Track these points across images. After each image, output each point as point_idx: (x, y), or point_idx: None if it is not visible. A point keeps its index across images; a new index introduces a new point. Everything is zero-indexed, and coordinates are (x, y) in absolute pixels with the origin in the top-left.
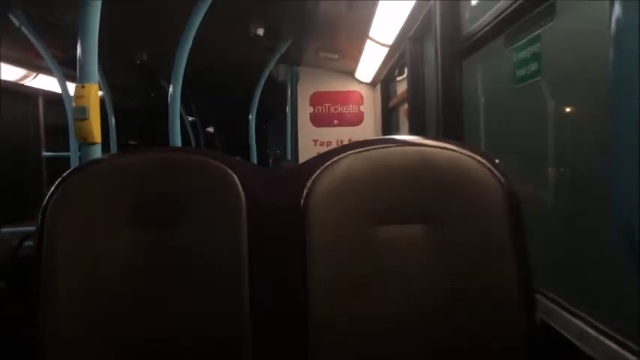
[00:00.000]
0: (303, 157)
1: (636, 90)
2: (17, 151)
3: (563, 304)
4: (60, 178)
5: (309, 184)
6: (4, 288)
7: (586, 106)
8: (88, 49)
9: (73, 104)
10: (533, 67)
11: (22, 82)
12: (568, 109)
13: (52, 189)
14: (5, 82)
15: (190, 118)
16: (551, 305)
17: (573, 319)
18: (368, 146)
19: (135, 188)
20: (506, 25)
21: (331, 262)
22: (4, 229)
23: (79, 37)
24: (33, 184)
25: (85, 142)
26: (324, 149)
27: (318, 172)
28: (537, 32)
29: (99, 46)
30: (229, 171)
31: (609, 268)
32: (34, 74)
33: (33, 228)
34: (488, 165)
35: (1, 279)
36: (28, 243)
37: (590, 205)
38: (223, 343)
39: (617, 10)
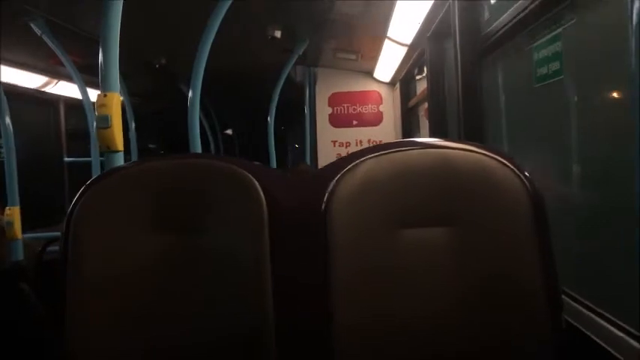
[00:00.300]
0: (322, 158)
1: None
2: (39, 156)
3: (590, 305)
4: (84, 186)
5: (330, 188)
6: (27, 290)
7: (610, 105)
8: (110, 58)
9: (96, 113)
10: (554, 65)
11: (43, 89)
12: (591, 108)
13: (77, 196)
14: (27, 89)
15: (209, 121)
16: (578, 307)
17: (600, 321)
18: (389, 149)
19: (158, 194)
20: (526, 24)
21: (353, 265)
22: (28, 235)
23: (100, 47)
24: (55, 189)
25: (109, 150)
26: (343, 150)
27: (339, 175)
28: (558, 31)
29: (119, 52)
30: (250, 176)
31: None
32: (55, 81)
33: (56, 233)
34: (512, 166)
35: (25, 282)
36: (52, 248)
37: (617, 204)
38: (247, 347)
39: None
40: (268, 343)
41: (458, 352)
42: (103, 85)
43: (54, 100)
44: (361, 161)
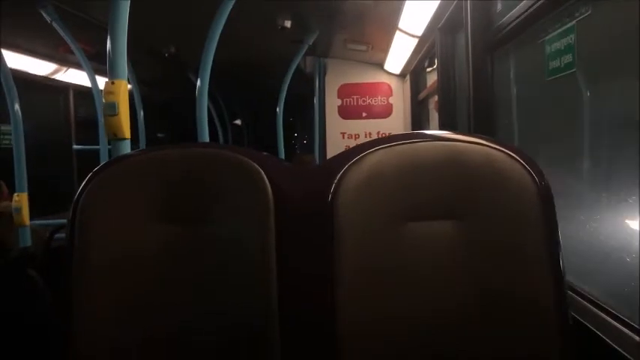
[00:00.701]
0: (330, 150)
1: None
2: (48, 143)
3: (598, 302)
4: (91, 173)
5: (337, 180)
6: (36, 277)
7: (623, 99)
8: (118, 46)
9: (103, 100)
10: (567, 58)
11: (53, 77)
12: (604, 102)
13: (84, 183)
14: (37, 76)
15: (218, 111)
16: (586, 304)
17: (608, 318)
18: (397, 141)
19: (164, 183)
20: (539, 16)
21: (359, 257)
22: (36, 221)
23: (108, 34)
24: (63, 176)
25: (115, 138)
26: (352, 142)
27: (346, 167)
28: (572, 23)
29: (127, 40)
30: (257, 166)
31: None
32: (65, 68)
33: (64, 220)
34: (522, 161)
35: (33, 268)
36: (59, 235)
37: (629, 201)
38: (251, 337)
39: None
40: (272, 334)
41: (462, 346)
42: (110, 73)
43: (63, 88)
44: (369, 153)
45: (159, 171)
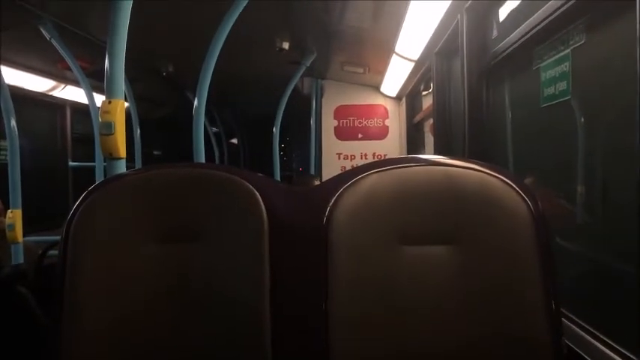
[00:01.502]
0: (326, 171)
1: None
2: (44, 160)
3: (591, 330)
4: (85, 192)
5: (331, 203)
6: (26, 294)
7: (618, 127)
8: (116, 65)
9: (100, 119)
10: (561, 86)
11: (50, 93)
12: (598, 130)
13: (78, 202)
14: (35, 92)
15: (214, 130)
16: (579, 331)
17: (600, 346)
18: (392, 165)
19: (158, 203)
20: (534, 43)
21: (353, 280)
22: (30, 238)
23: (107, 53)
24: (59, 193)
25: (111, 157)
26: (348, 163)
27: (341, 190)
28: (567, 51)
29: (125, 58)
30: (252, 188)
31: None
32: (63, 85)
33: (57, 237)
34: (516, 187)
35: (24, 285)
36: (53, 252)
37: (623, 227)
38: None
39: None
40: (265, 356)
41: None
42: (107, 92)
43: (61, 104)
44: (364, 176)
45: (153, 191)
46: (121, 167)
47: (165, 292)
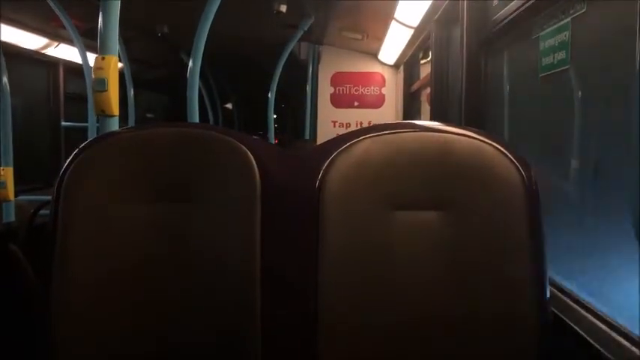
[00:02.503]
0: (321, 138)
1: None
2: (36, 119)
3: (578, 298)
4: (76, 150)
5: (325, 166)
6: (17, 252)
7: (615, 99)
8: (110, 22)
9: (93, 76)
10: (560, 55)
11: (43, 51)
12: (595, 100)
13: (69, 160)
14: (28, 50)
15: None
16: (566, 299)
17: (587, 315)
18: (386, 130)
19: (151, 162)
20: (534, 12)
21: (344, 244)
22: (21, 197)
23: (100, 9)
24: (51, 152)
25: (103, 114)
26: (343, 131)
27: (335, 154)
28: (566, 20)
29: (120, 18)
30: (245, 149)
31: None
32: (56, 43)
33: (49, 197)
34: (510, 156)
35: (15, 244)
36: (44, 211)
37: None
38: (232, 321)
39: None
40: (254, 316)
41: (444, 335)
42: (101, 48)
43: (54, 63)
44: (358, 141)
45: (146, 149)
46: (114, 125)
47: (155, 251)
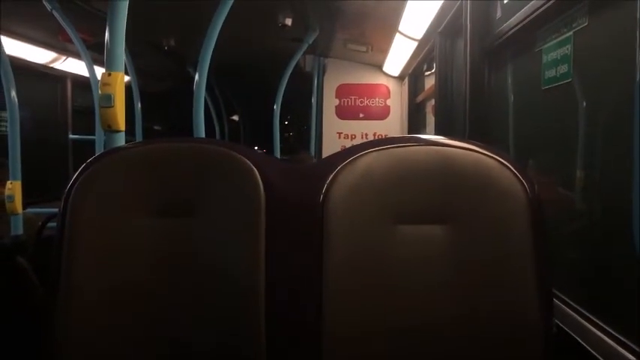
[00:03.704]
0: (326, 149)
1: None
2: (44, 132)
3: (581, 310)
4: (83, 165)
5: (328, 181)
6: (25, 265)
7: (618, 111)
8: (116, 37)
9: (99, 91)
10: (563, 68)
11: (51, 65)
12: (598, 113)
13: (76, 174)
14: (35, 64)
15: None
16: (569, 311)
17: (590, 327)
18: (390, 144)
19: (156, 177)
20: (537, 25)
21: (348, 259)
22: (30, 210)
23: (107, 25)
24: (59, 165)
25: (110, 130)
26: (348, 142)
27: (339, 168)
28: (569, 34)
29: (127, 31)
30: (250, 164)
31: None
32: (64, 57)
33: (57, 210)
34: (513, 169)
35: (23, 256)
36: (52, 224)
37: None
38: (236, 334)
39: None
40: (258, 329)
41: (447, 348)
42: (107, 64)
43: (62, 77)
44: (362, 154)
45: (152, 164)
46: (120, 140)
47: (161, 265)
